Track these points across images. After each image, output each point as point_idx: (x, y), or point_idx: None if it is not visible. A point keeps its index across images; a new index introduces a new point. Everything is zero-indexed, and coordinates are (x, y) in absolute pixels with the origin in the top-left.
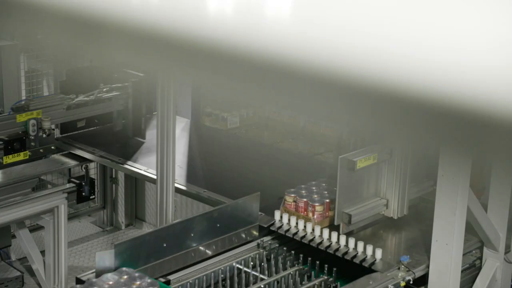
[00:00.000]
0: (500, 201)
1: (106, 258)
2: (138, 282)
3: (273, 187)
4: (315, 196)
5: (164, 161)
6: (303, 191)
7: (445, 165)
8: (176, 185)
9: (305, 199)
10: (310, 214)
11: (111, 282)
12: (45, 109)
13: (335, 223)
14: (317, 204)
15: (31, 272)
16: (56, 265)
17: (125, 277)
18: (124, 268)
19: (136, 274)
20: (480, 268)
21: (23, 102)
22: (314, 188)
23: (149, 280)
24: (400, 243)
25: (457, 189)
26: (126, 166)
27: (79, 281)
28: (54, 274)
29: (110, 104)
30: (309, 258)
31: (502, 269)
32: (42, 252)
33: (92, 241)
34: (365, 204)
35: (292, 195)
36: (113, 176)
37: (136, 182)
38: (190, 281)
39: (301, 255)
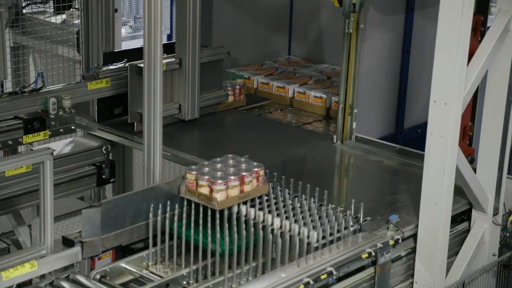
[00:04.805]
0: (489, 163)
1: (93, 216)
2: (244, 165)
3: (262, 154)
4: None
5: (151, 122)
6: None
7: (434, 123)
8: (164, 151)
9: None
10: None
11: (219, 165)
12: (114, 77)
13: (129, 121)
14: None
15: (18, 245)
16: (42, 227)
17: (231, 161)
18: (229, 155)
19: (242, 159)
20: (468, 230)
21: (94, 70)
22: None
23: (255, 163)
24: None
25: (446, 147)
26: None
27: (65, 240)
28: (40, 240)
29: None
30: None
31: (490, 231)
32: (29, 227)
33: (79, 217)
34: None
35: None
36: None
37: (123, 156)
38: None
39: None
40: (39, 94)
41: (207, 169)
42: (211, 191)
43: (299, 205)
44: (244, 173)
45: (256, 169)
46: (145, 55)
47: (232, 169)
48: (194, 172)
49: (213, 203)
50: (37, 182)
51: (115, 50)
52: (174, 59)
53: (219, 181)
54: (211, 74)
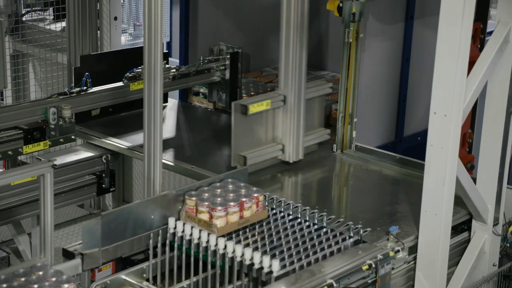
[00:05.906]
0: (489, 173)
1: (93, 228)
2: (243, 190)
3: (261, 163)
4: None
5: (151, 132)
6: None
7: (434, 135)
8: (164, 161)
9: None
10: None
11: (219, 190)
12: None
13: (232, 165)
14: None
15: (18, 254)
16: (42, 239)
17: (231, 186)
18: (229, 180)
19: (242, 184)
20: (468, 241)
21: (136, 71)
22: None
23: (254, 189)
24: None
25: (446, 159)
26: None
27: (66, 252)
28: (40, 253)
29: (210, 75)
30: None
31: (490, 241)
32: (29, 235)
33: (79, 224)
34: (261, 148)
35: None
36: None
37: (123, 164)
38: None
39: None
40: (39, 103)
41: (206, 194)
42: (211, 217)
43: (298, 215)
44: (244, 199)
45: (255, 195)
46: (145, 62)
47: (231, 194)
48: (194, 198)
49: (213, 229)
50: (37, 191)
51: (92, 53)
52: (278, 95)
53: (219, 208)
54: (314, 110)
